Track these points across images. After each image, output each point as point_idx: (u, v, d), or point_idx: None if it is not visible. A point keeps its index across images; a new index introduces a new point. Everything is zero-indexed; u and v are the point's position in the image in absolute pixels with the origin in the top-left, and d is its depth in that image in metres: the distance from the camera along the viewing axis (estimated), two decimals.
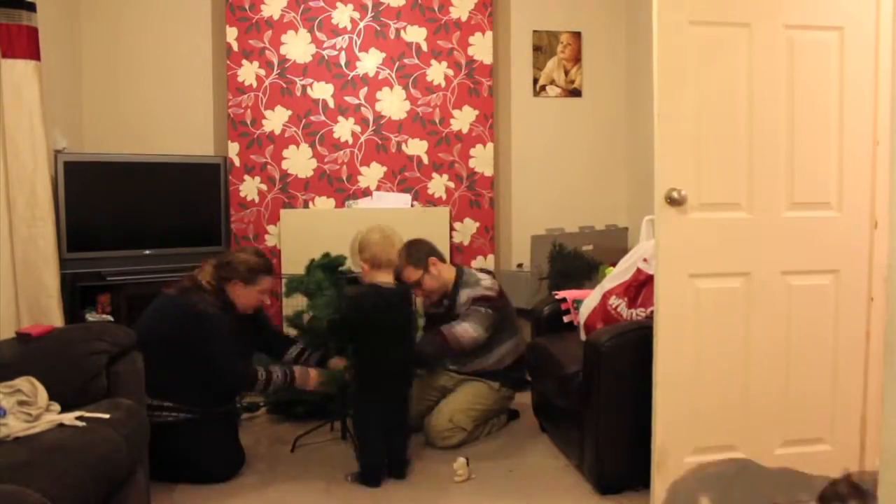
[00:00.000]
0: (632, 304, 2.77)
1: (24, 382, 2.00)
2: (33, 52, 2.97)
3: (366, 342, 2.68)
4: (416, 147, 4.27)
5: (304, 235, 3.83)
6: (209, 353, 2.65)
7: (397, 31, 4.22)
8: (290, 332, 3.23)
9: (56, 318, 2.99)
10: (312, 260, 3.09)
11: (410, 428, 2.85)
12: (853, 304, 2.41)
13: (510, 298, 3.33)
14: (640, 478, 2.42)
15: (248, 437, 3.14)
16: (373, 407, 2.68)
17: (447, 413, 3.05)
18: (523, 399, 3.42)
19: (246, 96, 4.12)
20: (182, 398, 2.67)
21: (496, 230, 4.37)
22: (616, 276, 2.89)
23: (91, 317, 3.46)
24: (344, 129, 4.20)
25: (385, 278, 2.72)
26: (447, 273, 3.20)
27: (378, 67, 4.21)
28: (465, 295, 3.12)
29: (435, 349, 3.04)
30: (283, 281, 3.16)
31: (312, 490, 2.62)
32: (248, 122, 4.13)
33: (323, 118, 4.18)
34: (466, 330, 3.02)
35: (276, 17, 4.12)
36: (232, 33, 4.09)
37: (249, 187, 4.15)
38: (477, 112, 4.30)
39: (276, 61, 4.13)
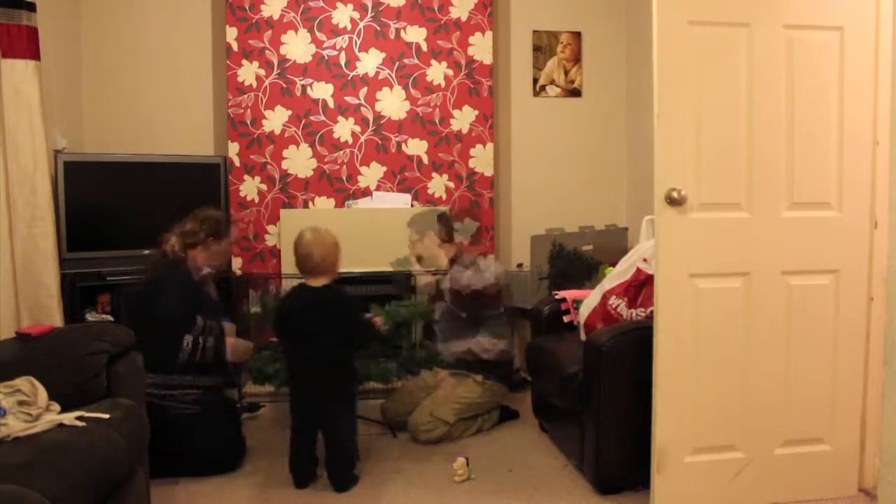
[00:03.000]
0: (632, 304, 2.77)
1: (24, 382, 2.00)
2: (33, 52, 2.97)
3: (283, 339, 2.74)
4: (416, 147, 4.27)
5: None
6: (152, 316, 2.70)
7: (397, 31, 4.22)
8: None
9: (56, 318, 2.99)
10: None
11: (342, 439, 2.67)
12: (853, 304, 2.41)
13: (508, 294, 3.35)
14: (640, 478, 2.42)
15: (248, 436, 3.14)
16: (293, 404, 2.68)
17: (427, 407, 3.09)
18: (523, 399, 3.42)
19: (246, 96, 4.12)
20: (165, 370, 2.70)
21: (496, 230, 4.37)
22: (616, 276, 2.89)
23: (91, 317, 3.47)
24: (344, 129, 4.21)
25: (317, 281, 2.67)
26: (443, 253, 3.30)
27: (378, 67, 4.21)
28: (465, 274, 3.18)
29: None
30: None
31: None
32: (248, 122, 4.13)
33: (323, 118, 4.18)
34: (470, 278, 3.11)
35: (276, 17, 4.13)
36: (232, 33, 4.10)
37: (249, 187, 4.15)
38: (477, 112, 4.30)
39: (276, 61, 4.13)
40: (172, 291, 2.74)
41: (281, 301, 2.77)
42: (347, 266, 2.97)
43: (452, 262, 3.26)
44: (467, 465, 2.70)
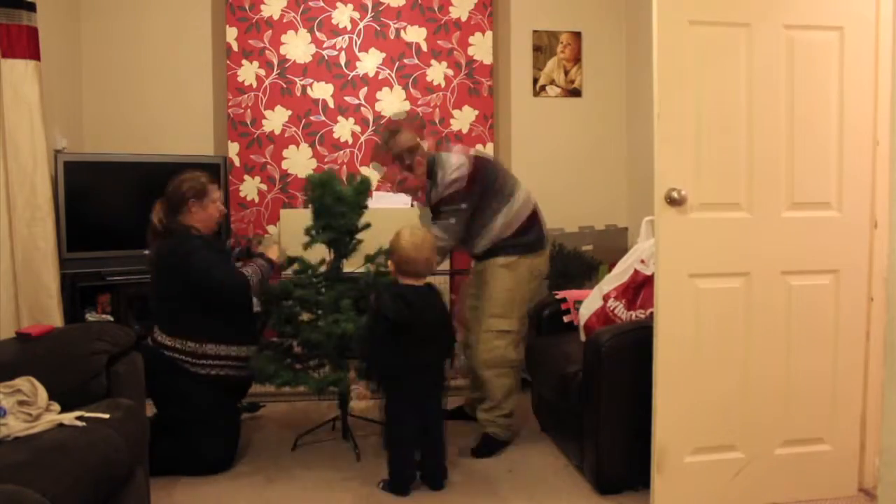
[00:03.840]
0: (630, 305, 2.77)
1: (24, 382, 2.00)
2: (33, 52, 2.97)
3: (397, 342, 2.55)
4: None
5: (304, 236, 3.82)
6: (196, 272, 2.71)
7: (397, 31, 4.22)
8: None
9: (56, 318, 2.99)
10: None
11: (444, 434, 2.67)
12: (853, 304, 2.41)
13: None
14: (640, 478, 2.42)
15: (249, 435, 3.14)
16: (402, 409, 2.57)
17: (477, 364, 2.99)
18: (524, 399, 3.41)
19: (246, 96, 4.13)
20: (211, 334, 2.76)
21: None
22: (614, 277, 2.89)
23: (91, 317, 3.47)
24: (344, 129, 4.21)
25: (412, 281, 2.61)
26: (421, 162, 2.95)
27: (378, 67, 4.22)
28: (438, 188, 2.91)
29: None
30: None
31: (312, 489, 2.62)
32: (248, 122, 4.14)
33: (323, 118, 4.19)
34: (439, 234, 2.85)
35: (276, 17, 4.13)
36: (232, 33, 4.10)
37: (249, 187, 4.16)
38: (477, 112, 4.30)
39: (276, 61, 4.13)
40: (204, 254, 2.75)
41: (399, 304, 2.55)
42: (350, 266, 2.97)
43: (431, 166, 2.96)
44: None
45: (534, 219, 3.06)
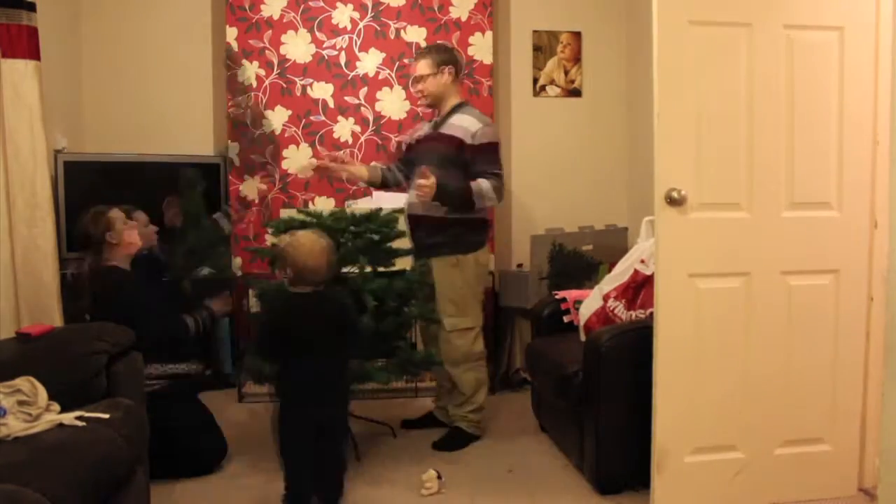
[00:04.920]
0: (630, 305, 2.77)
1: (24, 382, 2.00)
2: (33, 52, 2.96)
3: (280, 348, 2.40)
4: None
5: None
6: (130, 311, 2.66)
7: (397, 31, 4.22)
8: None
9: (56, 318, 2.98)
10: None
11: (342, 446, 2.53)
12: (853, 304, 2.41)
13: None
14: (640, 478, 2.42)
15: (250, 434, 3.15)
16: (288, 415, 2.39)
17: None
18: (524, 399, 3.42)
19: (246, 95, 4.12)
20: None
21: (496, 230, 4.37)
22: (614, 277, 2.89)
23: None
24: (344, 129, 4.21)
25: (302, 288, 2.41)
26: (451, 94, 3.07)
27: (378, 67, 4.21)
28: (466, 121, 2.97)
29: (461, 198, 2.92)
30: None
31: None
32: (249, 123, 4.13)
33: (323, 118, 4.18)
34: (489, 192, 2.94)
35: (276, 17, 4.13)
36: (232, 33, 4.10)
37: (249, 187, 4.15)
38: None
39: (276, 61, 4.13)
40: (134, 287, 2.78)
41: (277, 311, 2.51)
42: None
43: (456, 108, 3.06)
44: (439, 478, 2.59)
45: (486, 224, 3.15)
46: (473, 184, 2.93)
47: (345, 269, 2.83)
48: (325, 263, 2.39)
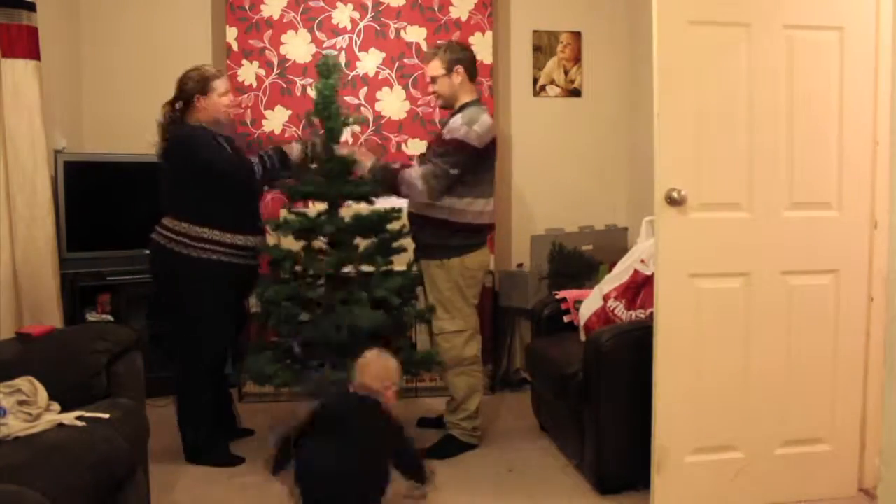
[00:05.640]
0: (630, 305, 2.77)
1: (24, 382, 2.00)
2: (33, 52, 2.97)
3: None
4: (417, 147, 4.26)
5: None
6: (202, 158, 2.78)
7: (397, 31, 4.21)
8: None
9: (56, 318, 2.99)
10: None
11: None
12: (853, 304, 2.42)
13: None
14: (640, 478, 2.42)
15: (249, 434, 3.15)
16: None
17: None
18: (524, 399, 3.41)
19: (246, 96, 4.12)
20: (211, 219, 2.78)
21: (496, 230, 4.37)
22: (614, 277, 2.89)
23: (91, 317, 3.47)
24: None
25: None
26: (463, 93, 3.00)
27: (378, 67, 4.21)
28: (452, 124, 2.93)
29: (386, 178, 2.93)
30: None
31: None
32: (248, 122, 4.13)
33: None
34: (414, 180, 2.86)
35: (276, 17, 4.12)
36: (232, 33, 4.09)
37: None
38: None
39: (276, 61, 4.13)
40: (205, 139, 2.81)
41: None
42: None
43: (459, 109, 2.99)
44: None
45: (476, 228, 2.99)
46: (402, 170, 2.93)
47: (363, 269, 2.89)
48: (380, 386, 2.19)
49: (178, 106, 2.87)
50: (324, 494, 2.07)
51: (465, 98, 3.01)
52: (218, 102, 2.87)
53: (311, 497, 2.07)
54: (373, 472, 2.11)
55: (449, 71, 2.98)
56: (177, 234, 2.77)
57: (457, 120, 2.93)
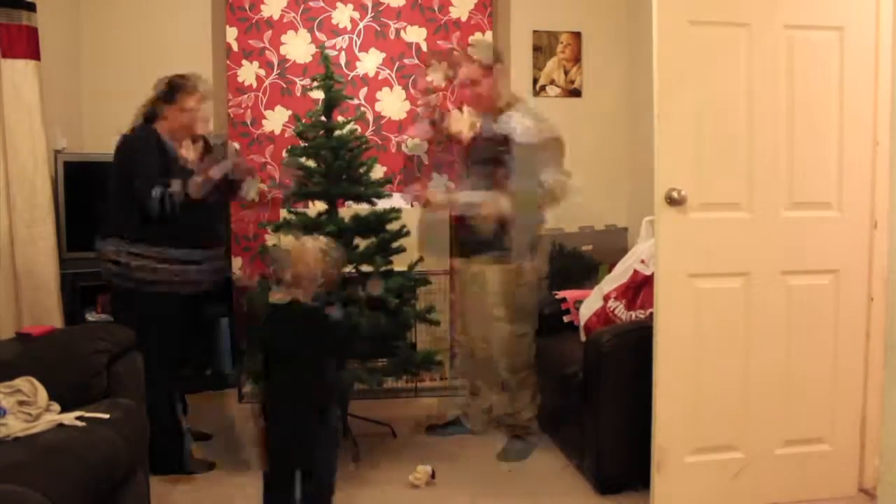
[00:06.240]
0: (630, 305, 2.77)
1: (24, 382, 2.01)
2: (33, 52, 2.97)
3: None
4: (417, 147, 4.26)
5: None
6: (124, 168, 2.67)
7: (397, 31, 4.22)
8: None
9: (56, 318, 2.99)
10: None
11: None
12: (853, 304, 2.42)
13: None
14: (640, 478, 2.41)
15: (249, 435, 3.15)
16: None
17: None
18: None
19: (246, 96, 4.12)
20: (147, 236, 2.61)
21: None
22: (614, 278, 2.90)
23: (91, 317, 3.46)
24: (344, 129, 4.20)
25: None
26: (506, 93, 2.91)
27: (378, 67, 4.21)
28: (522, 123, 2.76)
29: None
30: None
31: None
32: (248, 122, 4.13)
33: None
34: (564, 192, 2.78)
35: (276, 17, 4.12)
36: (232, 33, 4.09)
37: (250, 185, 4.15)
38: None
39: (276, 61, 4.13)
40: (138, 147, 2.68)
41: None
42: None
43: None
44: (432, 477, 2.62)
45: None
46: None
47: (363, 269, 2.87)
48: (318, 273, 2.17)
49: (157, 102, 2.75)
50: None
51: (498, 87, 2.85)
52: (179, 116, 2.73)
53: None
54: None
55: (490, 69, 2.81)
56: (114, 255, 2.63)
57: (527, 119, 2.80)
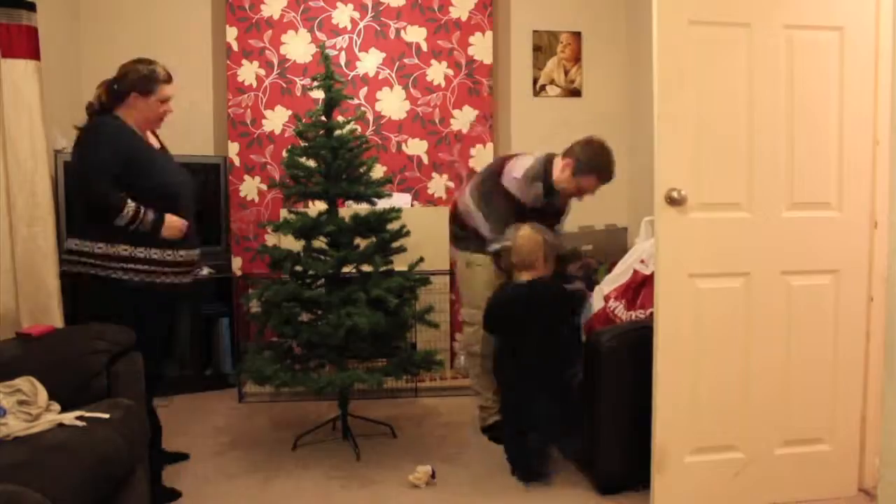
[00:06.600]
0: (630, 305, 2.77)
1: (24, 382, 2.01)
2: (33, 52, 2.97)
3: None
4: (416, 147, 4.27)
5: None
6: (78, 162, 2.47)
7: (397, 31, 4.22)
8: None
9: (56, 318, 2.99)
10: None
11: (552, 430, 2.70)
12: (853, 304, 2.41)
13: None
14: (640, 478, 2.41)
15: (249, 434, 3.15)
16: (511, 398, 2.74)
17: None
18: None
19: (246, 96, 4.13)
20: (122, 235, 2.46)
21: None
22: (614, 277, 2.89)
23: None
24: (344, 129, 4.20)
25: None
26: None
27: (378, 67, 4.21)
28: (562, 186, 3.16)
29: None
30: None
31: (311, 489, 2.62)
32: (248, 122, 4.14)
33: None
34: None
35: (276, 17, 4.13)
36: (232, 33, 4.10)
37: (249, 187, 4.15)
38: (477, 112, 4.30)
39: (276, 61, 4.13)
40: (103, 136, 2.49)
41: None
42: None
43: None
44: (432, 476, 2.64)
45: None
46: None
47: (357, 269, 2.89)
48: (542, 257, 2.74)
49: (116, 88, 2.60)
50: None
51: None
52: (155, 108, 2.60)
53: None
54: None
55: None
56: (86, 256, 2.49)
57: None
